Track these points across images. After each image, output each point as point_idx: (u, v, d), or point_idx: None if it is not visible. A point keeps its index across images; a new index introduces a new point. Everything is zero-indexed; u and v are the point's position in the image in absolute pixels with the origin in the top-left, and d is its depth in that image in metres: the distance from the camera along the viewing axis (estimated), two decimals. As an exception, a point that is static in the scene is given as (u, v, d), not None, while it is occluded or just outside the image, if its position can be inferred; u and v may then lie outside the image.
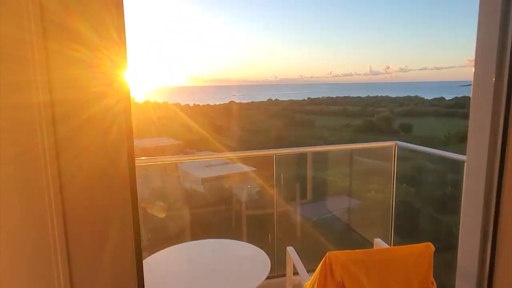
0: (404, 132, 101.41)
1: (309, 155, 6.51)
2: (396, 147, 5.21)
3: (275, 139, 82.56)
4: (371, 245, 3.69)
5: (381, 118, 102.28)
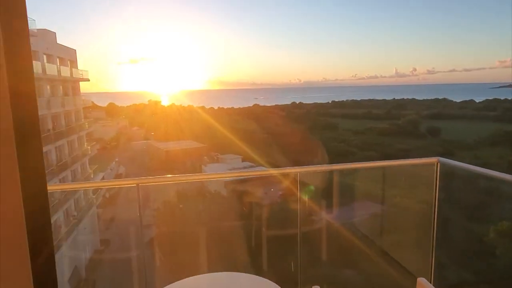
0: (432, 136, 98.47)
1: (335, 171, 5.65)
2: (438, 164, 4.33)
3: (298, 142, 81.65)
4: (411, 281, 3.19)
5: (407, 121, 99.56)
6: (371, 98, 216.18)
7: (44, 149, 26.66)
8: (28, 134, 0.60)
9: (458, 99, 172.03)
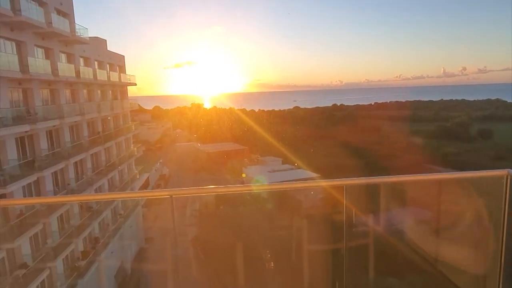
0: (483, 139, 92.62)
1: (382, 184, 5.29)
2: (509, 177, 3.61)
3: (339, 144, 79.82)
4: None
5: (457, 124, 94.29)
6: (417, 99, 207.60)
7: (94, 150, 28.12)
8: None
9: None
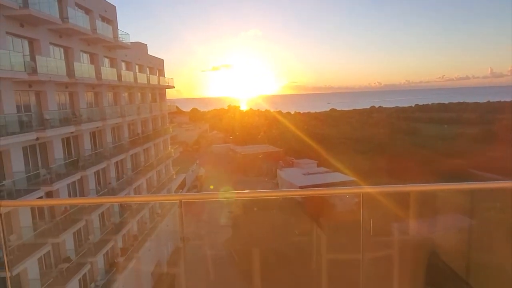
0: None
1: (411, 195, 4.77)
2: None
3: (376, 148, 77.65)
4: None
5: (504, 127, 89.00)
6: (461, 101, 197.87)
7: (134, 150, 29.19)
8: None
9: None
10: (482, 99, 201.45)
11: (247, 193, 2.41)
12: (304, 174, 51.49)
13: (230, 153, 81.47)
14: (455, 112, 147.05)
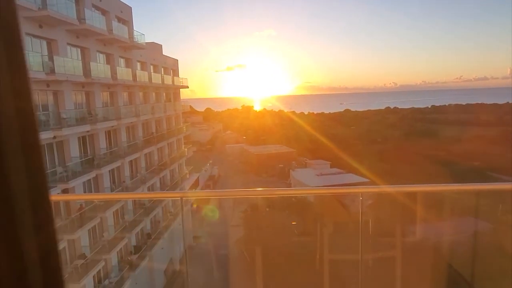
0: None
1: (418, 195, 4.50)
2: None
3: (392, 149, 76.51)
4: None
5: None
6: (479, 102, 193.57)
7: (148, 150, 29.56)
8: (27, 144, 0.58)
9: None
10: (501, 100, 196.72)
11: (248, 192, 2.41)
12: (317, 175, 51.22)
13: (244, 153, 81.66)
14: (473, 114, 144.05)
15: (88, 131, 21.65)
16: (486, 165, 60.79)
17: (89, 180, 21.73)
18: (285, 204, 36.86)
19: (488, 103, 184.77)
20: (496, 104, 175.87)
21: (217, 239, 43.41)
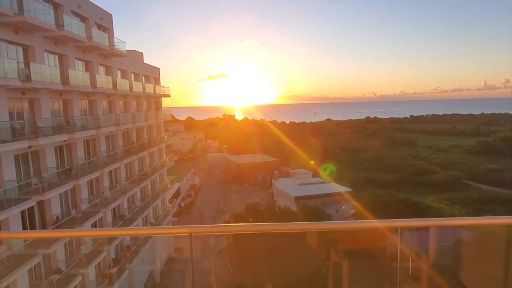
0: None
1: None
2: None
3: (372, 158, 77.54)
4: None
5: (500, 139, 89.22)
6: (456, 112, 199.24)
7: (128, 159, 28.82)
8: None
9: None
10: (476, 111, 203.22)
11: (257, 226, 2.06)
12: (300, 185, 51.15)
13: (225, 162, 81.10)
14: (450, 124, 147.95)
15: (65, 141, 20.91)
16: (465, 174, 62.20)
17: (66, 191, 20.94)
18: (269, 215, 36.61)
19: (464, 113, 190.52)
20: (472, 114, 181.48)
21: (199, 249, 42.63)
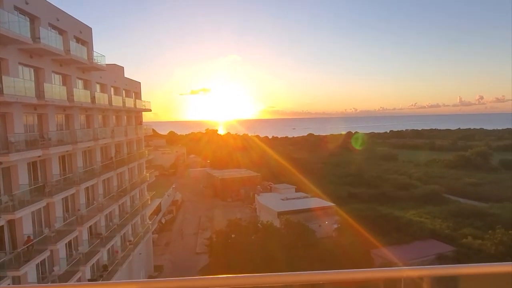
0: (506, 169, 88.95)
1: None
2: None
3: (354, 173, 77.87)
4: None
5: (477, 153, 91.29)
6: (433, 128, 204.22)
7: (106, 175, 27.98)
8: None
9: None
10: (453, 126, 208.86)
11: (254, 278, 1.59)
12: (283, 199, 50.79)
13: (208, 177, 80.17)
14: (428, 139, 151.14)
15: (39, 156, 20.08)
16: (444, 187, 63.15)
17: (39, 209, 20.03)
18: (252, 230, 36.02)
19: (441, 128, 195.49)
20: (449, 129, 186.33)
21: (180, 267, 41.52)
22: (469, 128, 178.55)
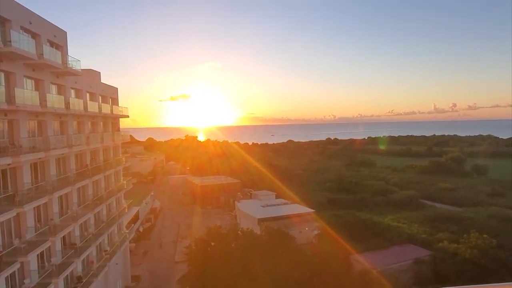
0: (478, 174, 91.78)
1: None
2: None
3: (334, 179, 78.47)
4: None
5: (451, 159, 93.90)
6: (410, 134, 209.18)
7: (81, 183, 27.13)
8: None
9: (504, 135, 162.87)
10: (428, 133, 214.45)
11: None
12: (263, 206, 50.62)
13: (187, 184, 79.20)
14: (404, 145, 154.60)
15: (9, 164, 19.25)
16: (420, 193, 64.53)
17: (9, 220, 19.15)
18: (232, 238, 35.59)
19: (417, 135, 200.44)
20: (424, 136, 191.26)
21: (158, 277, 40.55)
22: (444, 135, 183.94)
